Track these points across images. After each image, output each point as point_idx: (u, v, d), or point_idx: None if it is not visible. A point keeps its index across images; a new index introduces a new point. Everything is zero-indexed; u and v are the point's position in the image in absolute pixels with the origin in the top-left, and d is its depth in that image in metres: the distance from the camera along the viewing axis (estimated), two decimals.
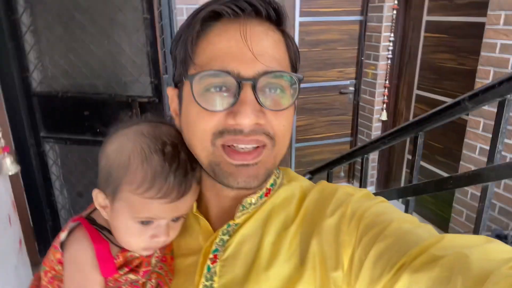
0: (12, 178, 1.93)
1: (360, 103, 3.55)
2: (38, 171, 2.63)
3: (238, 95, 0.50)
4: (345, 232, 0.53)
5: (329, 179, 2.07)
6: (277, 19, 0.55)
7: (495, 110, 1.07)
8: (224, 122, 0.52)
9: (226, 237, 0.60)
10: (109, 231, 0.59)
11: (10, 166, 1.73)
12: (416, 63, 3.07)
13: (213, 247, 0.59)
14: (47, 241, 2.81)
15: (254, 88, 0.50)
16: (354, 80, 3.53)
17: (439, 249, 0.43)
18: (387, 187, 3.57)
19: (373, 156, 3.56)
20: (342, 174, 3.79)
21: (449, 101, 1.17)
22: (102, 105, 2.42)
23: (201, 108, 0.51)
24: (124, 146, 0.56)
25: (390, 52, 3.17)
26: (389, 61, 3.21)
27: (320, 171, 2.07)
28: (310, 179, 2.23)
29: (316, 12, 3.21)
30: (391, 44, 3.14)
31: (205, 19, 0.53)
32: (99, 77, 2.43)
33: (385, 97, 3.31)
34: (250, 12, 0.53)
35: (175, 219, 0.59)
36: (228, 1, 0.52)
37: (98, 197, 0.59)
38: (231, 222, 0.60)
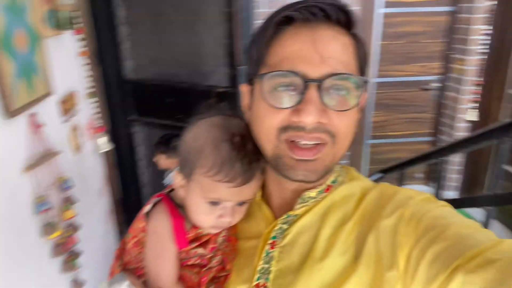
0: (105, 155, 2.17)
1: (444, 101, 3.30)
2: (126, 151, 2.91)
3: (303, 94, 0.54)
4: (402, 233, 0.54)
5: (402, 180, 1.99)
6: (347, 24, 0.57)
7: None
8: (289, 119, 0.56)
9: (285, 226, 0.65)
10: (184, 209, 0.67)
11: (104, 144, 1.95)
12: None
13: (272, 234, 0.64)
14: (130, 212, 3.11)
15: (319, 88, 0.54)
16: (438, 76, 3.29)
17: (495, 252, 0.43)
18: (471, 193, 3.30)
19: (459, 159, 3.30)
20: (422, 175, 3.58)
21: None
22: (184, 93, 2.59)
23: (269, 105, 0.56)
24: (200, 134, 0.64)
25: (483, 47, 2.89)
26: (482, 57, 2.93)
27: (393, 170, 1.99)
28: (381, 178, 2.16)
29: (401, 2, 3.04)
30: (484, 37, 2.86)
31: (278, 23, 0.57)
32: (183, 67, 2.60)
33: (474, 96, 3.04)
34: (321, 17, 0.56)
35: (240, 204, 0.65)
36: (301, 7, 0.56)
37: (177, 177, 0.67)
38: (290, 213, 0.64)
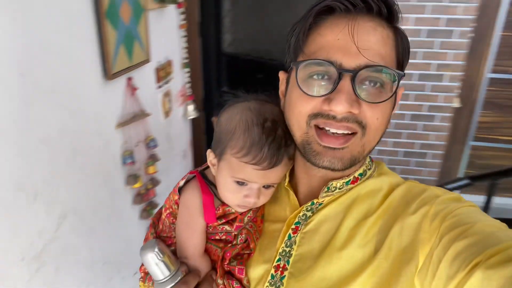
0: (195, 121, 2.36)
1: None
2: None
3: (337, 84, 0.54)
4: (425, 231, 0.54)
5: (491, 193, 1.77)
6: (389, 16, 0.56)
7: None
8: (320, 106, 0.56)
9: (309, 213, 0.66)
10: (215, 187, 0.71)
11: (192, 112, 2.12)
12: None
13: (296, 219, 0.66)
14: None
15: (353, 79, 0.53)
16: None
17: None
18: None
19: None
20: None
21: None
22: (274, 70, 2.62)
23: (301, 92, 0.57)
24: (233, 117, 0.67)
25: None
26: None
27: (483, 179, 1.79)
28: (468, 184, 1.95)
29: None
30: None
31: (318, 13, 0.57)
32: (276, 44, 2.63)
33: None
34: (362, 8, 0.55)
35: (266, 187, 0.67)
36: None
37: (210, 156, 0.71)
38: (315, 201, 0.65)
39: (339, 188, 0.64)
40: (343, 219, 0.63)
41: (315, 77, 0.56)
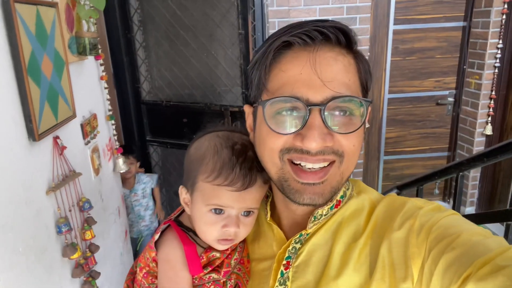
0: (122, 175, 2.21)
1: (461, 115, 3.28)
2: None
3: (306, 119, 0.53)
4: (414, 245, 0.54)
5: (418, 196, 1.97)
6: (347, 43, 0.57)
7: None
8: (292, 142, 0.55)
9: (298, 245, 0.64)
10: (194, 233, 0.67)
11: (122, 165, 1.99)
12: None
13: (286, 254, 0.64)
14: None
15: (322, 112, 0.53)
16: (453, 90, 3.27)
17: (504, 259, 0.43)
18: (489, 209, 3.22)
19: (475, 174, 3.25)
20: (437, 191, 3.53)
21: None
22: (199, 113, 2.64)
23: (271, 129, 0.56)
24: (202, 144, 0.66)
25: (497, 61, 2.88)
26: (497, 70, 2.91)
27: (409, 186, 1.97)
28: (398, 194, 2.14)
29: (412, 19, 3.07)
30: (499, 51, 2.85)
31: (277, 49, 0.57)
32: (197, 88, 2.66)
33: (491, 109, 3.01)
34: (320, 40, 0.55)
35: (245, 214, 0.65)
36: (299, 31, 0.55)
37: (182, 192, 0.68)
38: (303, 232, 0.64)
39: (325, 215, 0.64)
40: (333, 245, 0.62)
41: (283, 113, 0.55)
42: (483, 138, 3.13)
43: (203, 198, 0.63)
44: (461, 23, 3.09)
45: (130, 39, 2.71)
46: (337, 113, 0.55)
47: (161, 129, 2.89)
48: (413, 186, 1.94)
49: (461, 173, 1.56)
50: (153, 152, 2.99)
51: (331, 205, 0.63)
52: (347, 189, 0.67)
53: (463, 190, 3.20)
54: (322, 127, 0.53)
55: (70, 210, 1.42)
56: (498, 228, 2.60)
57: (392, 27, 3.05)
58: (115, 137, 1.98)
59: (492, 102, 2.99)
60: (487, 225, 1.89)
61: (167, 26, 2.62)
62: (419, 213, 0.57)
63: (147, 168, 2.97)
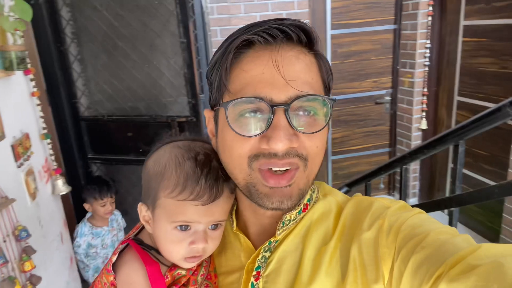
0: (63, 197, 2.06)
1: (398, 113, 3.47)
2: None
3: (271, 120, 0.52)
4: (383, 245, 0.53)
5: (367, 192, 2.04)
6: (308, 42, 0.56)
7: None
8: (258, 146, 0.53)
9: (267, 254, 0.61)
10: (156, 251, 0.62)
11: (62, 187, 1.85)
12: (455, 69, 2.98)
13: (256, 264, 0.61)
14: None
15: (287, 112, 0.51)
16: (390, 90, 3.47)
17: (475, 258, 0.43)
18: (430, 198, 3.44)
19: (415, 167, 3.45)
20: (382, 185, 3.70)
21: (492, 106, 1.13)
22: (144, 126, 2.54)
23: (235, 133, 0.54)
24: (161, 157, 0.61)
25: (427, 59, 3.10)
26: (427, 68, 3.13)
27: (358, 183, 2.04)
28: (347, 192, 2.20)
29: (347, 24, 3.21)
30: (427, 51, 3.07)
31: (237, 48, 0.55)
32: (141, 100, 2.56)
33: (424, 105, 3.22)
34: (282, 38, 0.54)
35: (213, 227, 0.61)
36: (260, 30, 0.53)
37: (142, 210, 0.63)
38: (272, 239, 0.61)
39: (293, 220, 0.62)
40: (303, 250, 0.60)
41: (246, 115, 0.53)
42: (420, 133, 3.34)
43: (167, 215, 0.58)
44: (392, 26, 3.29)
45: (64, 52, 2.54)
46: (301, 113, 0.53)
47: (104, 145, 2.74)
48: (361, 182, 2.01)
49: (404, 166, 1.64)
50: (97, 170, 2.83)
51: (298, 209, 0.62)
52: (313, 192, 0.66)
53: (408, 183, 3.39)
54: (288, 128, 0.52)
55: (4, 241, 1.28)
56: (439, 215, 2.78)
57: (329, 32, 3.17)
58: (52, 157, 1.84)
59: (425, 98, 3.20)
60: (431, 213, 2.00)
61: (104, 37, 2.50)
62: (387, 212, 0.56)
63: None
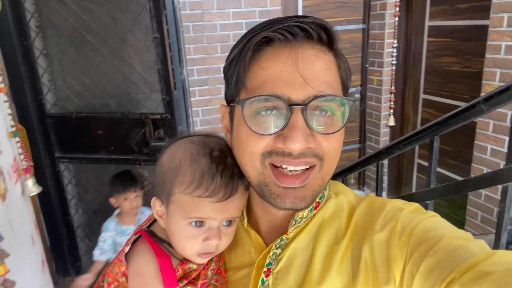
0: (32, 198, 1.96)
1: (367, 110, 3.58)
2: (54, 191, 2.67)
3: (288, 119, 0.51)
4: (396, 247, 0.53)
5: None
6: (328, 41, 0.55)
7: (504, 111, 1.09)
8: (273, 144, 0.53)
9: (278, 251, 0.61)
10: (168, 244, 0.62)
11: (32, 187, 1.76)
12: (421, 67, 3.11)
13: (267, 261, 0.61)
14: (64, 260, 2.83)
15: (304, 112, 0.51)
16: (359, 87, 3.57)
17: (489, 265, 0.43)
18: (398, 192, 3.58)
19: (383, 162, 3.58)
20: (352, 181, 3.80)
21: (456, 104, 1.20)
22: (116, 123, 2.46)
23: (251, 130, 0.53)
24: (176, 152, 0.60)
25: (394, 58, 3.21)
26: (394, 67, 3.25)
27: (334, 178, 2.08)
28: None
29: None
30: (395, 50, 3.19)
31: (256, 45, 0.54)
32: (112, 96, 2.48)
33: (392, 103, 3.35)
34: (302, 36, 0.53)
35: (227, 224, 0.61)
36: (281, 27, 0.53)
37: (156, 204, 0.62)
38: (283, 236, 0.61)
39: (305, 217, 0.62)
40: (314, 248, 0.60)
41: (263, 113, 0.53)
42: (388, 129, 3.46)
43: (182, 211, 0.58)
44: (361, 26, 3.39)
45: (28, 47, 2.41)
46: (318, 112, 0.53)
47: (73, 143, 2.63)
48: (338, 177, 2.06)
49: (380, 162, 1.69)
50: (65, 169, 2.71)
51: (311, 207, 0.62)
52: (325, 190, 0.65)
53: (373, 177, 3.51)
54: (305, 128, 0.52)
55: None
56: None
57: None
58: (22, 157, 1.75)
59: (392, 96, 3.33)
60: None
61: (71, 31, 2.39)
62: (401, 215, 0.56)
63: (60, 188, 2.68)
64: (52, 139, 2.62)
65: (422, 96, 3.13)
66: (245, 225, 0.65)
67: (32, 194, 1.78)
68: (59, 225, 2.74)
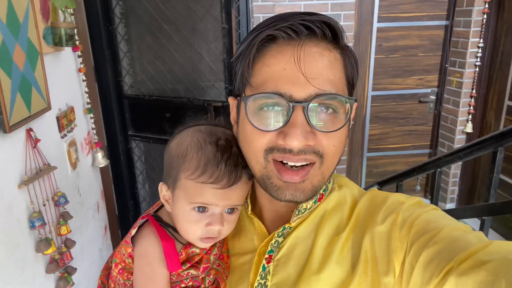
0: (102, 170, 2.18)
1: (442, 113, 3.32)
2: (125, 166, 2.92)
3: (289, 116, 0.52)
4: (396, 239, 0.54)
5: (398, 192, 1.99)
6: (334, 38, 0.55)
7: None
8: (275, 141, 0.54)
9: (280, 239, 0.63)
10: (173, 228, 0.65)
11: (101, 160, 1.95)
12: (508, 71, 2.79)
13: (269, 248, 0.63)
14: (128, 228, 3.10)
15: (305, 110, 0.52)
16: (435, 88, 3.31)
17: (485, 254, 0.43)
18: (469, 204, 3.28)
19: (455, 171, 3.30)
20: (418, 187, 3.57)
21: None
22: (181, 108, 2.61)
23: (254, 126, 0.55)
24: (184, 139, 0.63)
25: (478, 59, 2.92)
26: (477, 69, 2.96)
27: (389, 182, 1.99)
28: (378, 189, 2.16)
29: (396, 17, 3.09)
30: (480, 50, 2.90)
31: (261, 42, 0.55)
32: (180, 82, 2.63)
33: (471, 108, 3.06)
34: (306, 34, 0.53)
35: (229, 211, 0.63)
36: (284, 25, 0.53)
37: (162, 189, 0.66)
38: (286, 225, 0.63)
39: (309, 209, 0.63)
40: (315, 238, 0.62)
41: (265, 109, 0.55)
42: (464, 136, 3.18)
43: (186, 196, 0.61)
44: (443, 22, 3.13)
45: (112, 32, 2.65)
46: (319, 109, 0.54)
47: (144, 123, 2.84)
48: (393, 182, 1.96)
49: (439, 169, 1.58)
50: (135, 147, 2.95)
51: (315, 199, 0.63)
52: (329, 183, 0.67)
53: (444, 187, 3.26)
54: (305, 125, 0.53)
55: (44, 205, 1.38)
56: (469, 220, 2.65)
57: (376, 24, 3.07)
58: (94, 131, 1.94)
59: (472, 100, 3.04)
60: (466, 220, 1.92)
61: (150, 19, 2.58)
62: (402, 208, 0.57)
63: (130, 163, 2.93)
64: (126, 118, 2.86)
65: (507, 102, 2.82)
66: (249, 212, 0.67)
67: (100, 166, 1.98)
68: (127, 197, 2.99)
